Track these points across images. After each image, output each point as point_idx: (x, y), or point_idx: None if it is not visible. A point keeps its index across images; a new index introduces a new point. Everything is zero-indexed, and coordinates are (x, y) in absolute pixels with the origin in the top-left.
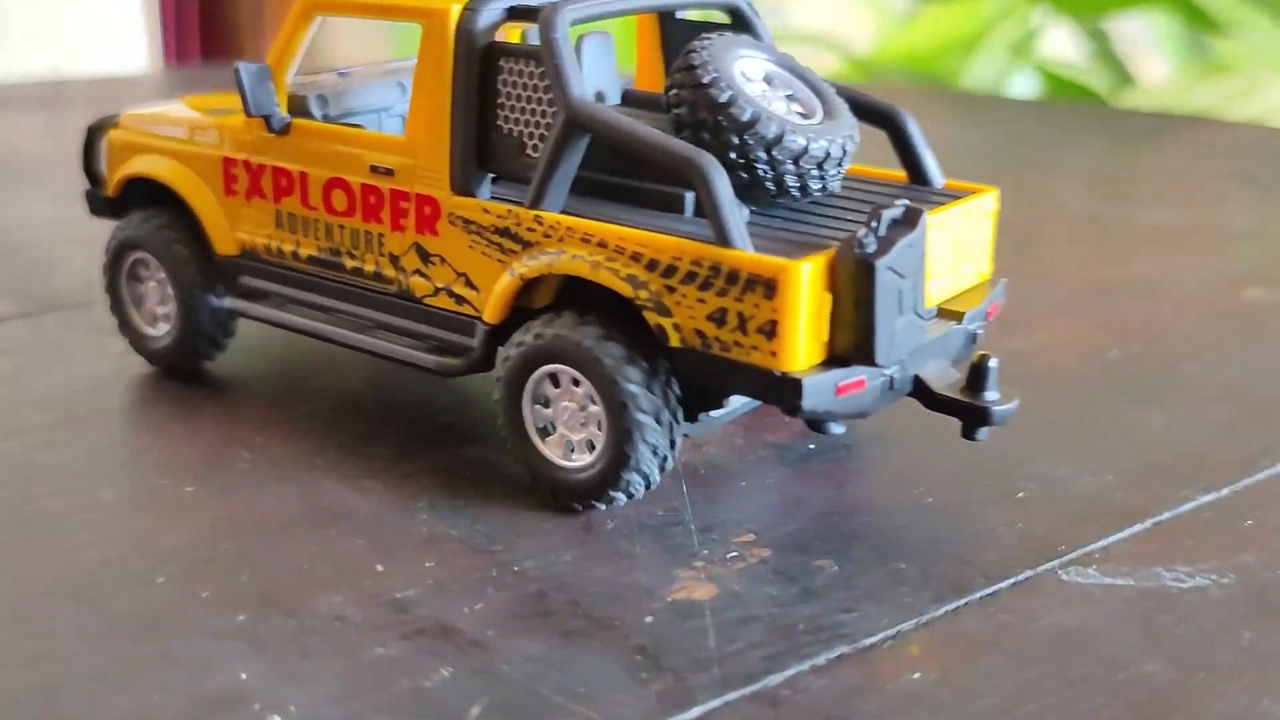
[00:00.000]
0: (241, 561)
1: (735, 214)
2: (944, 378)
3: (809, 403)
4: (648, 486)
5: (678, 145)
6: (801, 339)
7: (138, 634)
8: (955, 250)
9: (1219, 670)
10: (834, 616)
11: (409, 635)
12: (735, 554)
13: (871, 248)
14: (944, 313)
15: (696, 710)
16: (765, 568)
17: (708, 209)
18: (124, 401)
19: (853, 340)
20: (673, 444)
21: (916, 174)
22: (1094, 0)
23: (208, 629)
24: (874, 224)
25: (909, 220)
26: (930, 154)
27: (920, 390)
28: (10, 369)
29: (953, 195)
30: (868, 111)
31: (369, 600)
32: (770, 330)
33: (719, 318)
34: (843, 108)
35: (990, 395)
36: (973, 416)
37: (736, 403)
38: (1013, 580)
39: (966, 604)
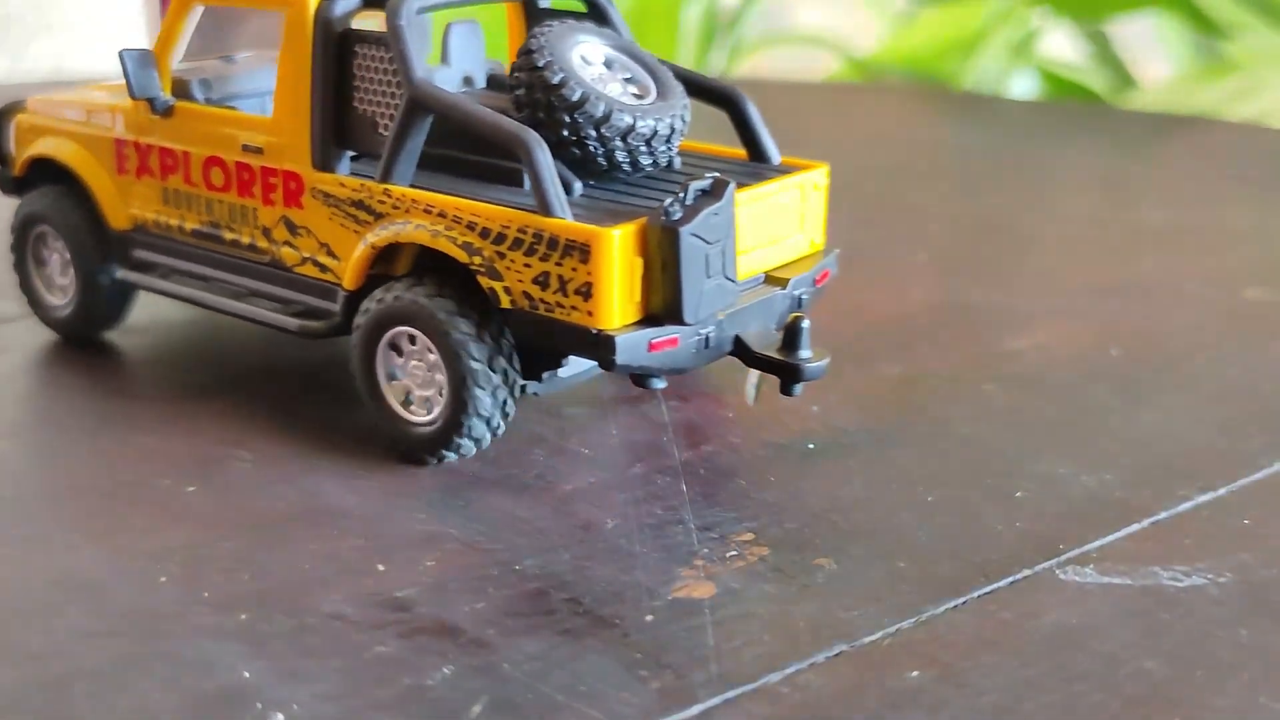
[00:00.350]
0: (242, 561)
1: (556, 185)
2: (764, 338)
3: (622, 358)
4: (488, 437)
5: (506, 123)
6: (614, 299)
7: (139, 633)
8: (782, 221)
9: (1217, 668)
10: (833, 615)
11: (409, 634)
12: (735, 553)
13: (677, 215)
14: (770, 279)
15: (696, 708)
16: (765, 566)
17: (530, 181)
18: (124, 402)
19: (663, 301)
20: (509, 400)
21: (755, 152)
22: (1094, 2)
23: (209, 628)
24: (681, 194)
25: (715, 191)
26: (767, 133)
27: (740, 349)
28: (9, 368)
29: (786, 171)
30: (709, 93)
31: (369, 599)
32: (586, 291)
33: (543, 281)
34: (676, 89)
35: (803, 354)
36: (787, 373)
37: (583, 365)
38: (1012, 579)
39: (965, 602)
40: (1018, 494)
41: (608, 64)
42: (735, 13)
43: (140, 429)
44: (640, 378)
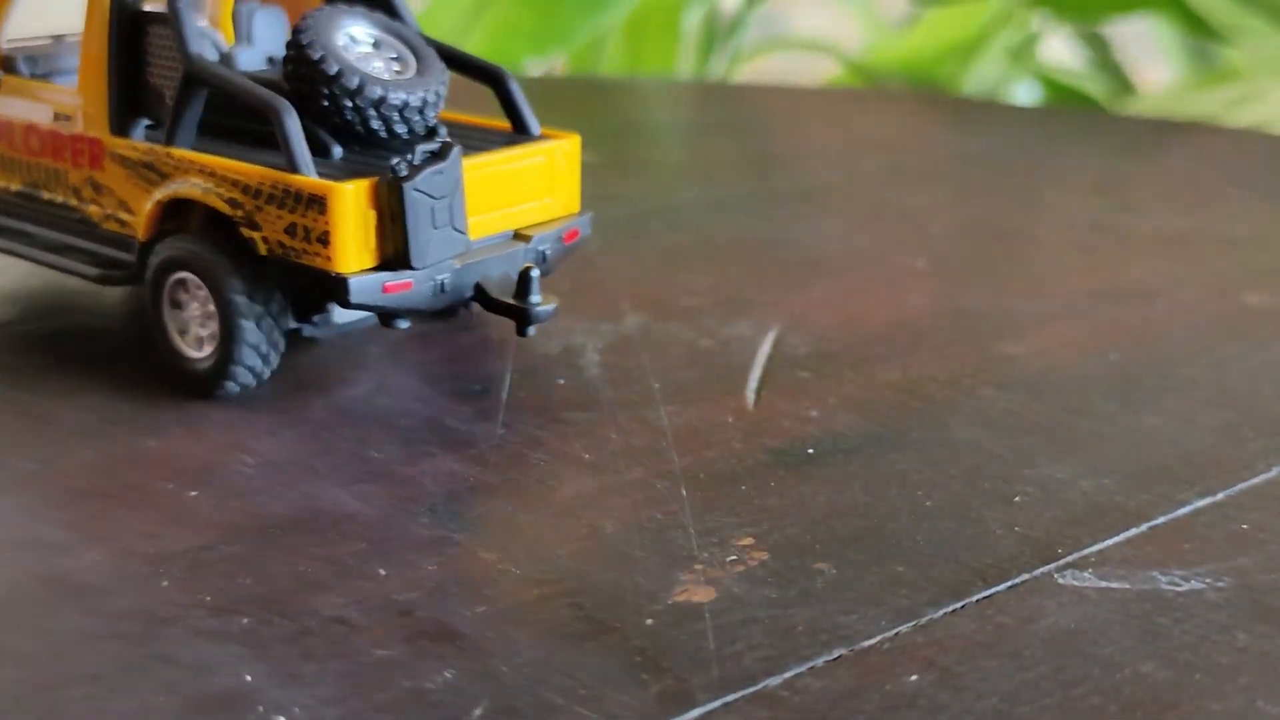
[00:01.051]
0: (244, 564)
1: (302, 147)
2: (502, 286)
3: (356, 298)
4: (261, 367)
5: (262, 93)
6: (349, 246)
7: (141, 636)
8: (529, 185)
9: (1215, 671)
10: (832, 619)
11: (411, 638)
12: (735, 557)
13: (404, 173)
14: (517, 235)
15: (696, 711)
16: (764, 570)
17: (281, 143)
18: (127, 407)
19: (395, 248)
20: (277, 333)
21: (518, 124)
22: (1093, 4)
23: (210, 631)
24: (410, 155)
25: (442, 153)
26: (528, 107)
27: (480, 295)
28: (8, 373)
29: (535, 139)
30: (475, 71)
31: (370, 603)
32: (325, 239)
33: (292, 230)
34: (436, 67)
35: (533, 299)
36: (518, 316)
37: (356, 314)
38: (1010, 583)
39: (964, 606)
40: (1016, 498)
41: (376, 44)
42: (735, 19)
43: (142, 433)
44: (385, 318)
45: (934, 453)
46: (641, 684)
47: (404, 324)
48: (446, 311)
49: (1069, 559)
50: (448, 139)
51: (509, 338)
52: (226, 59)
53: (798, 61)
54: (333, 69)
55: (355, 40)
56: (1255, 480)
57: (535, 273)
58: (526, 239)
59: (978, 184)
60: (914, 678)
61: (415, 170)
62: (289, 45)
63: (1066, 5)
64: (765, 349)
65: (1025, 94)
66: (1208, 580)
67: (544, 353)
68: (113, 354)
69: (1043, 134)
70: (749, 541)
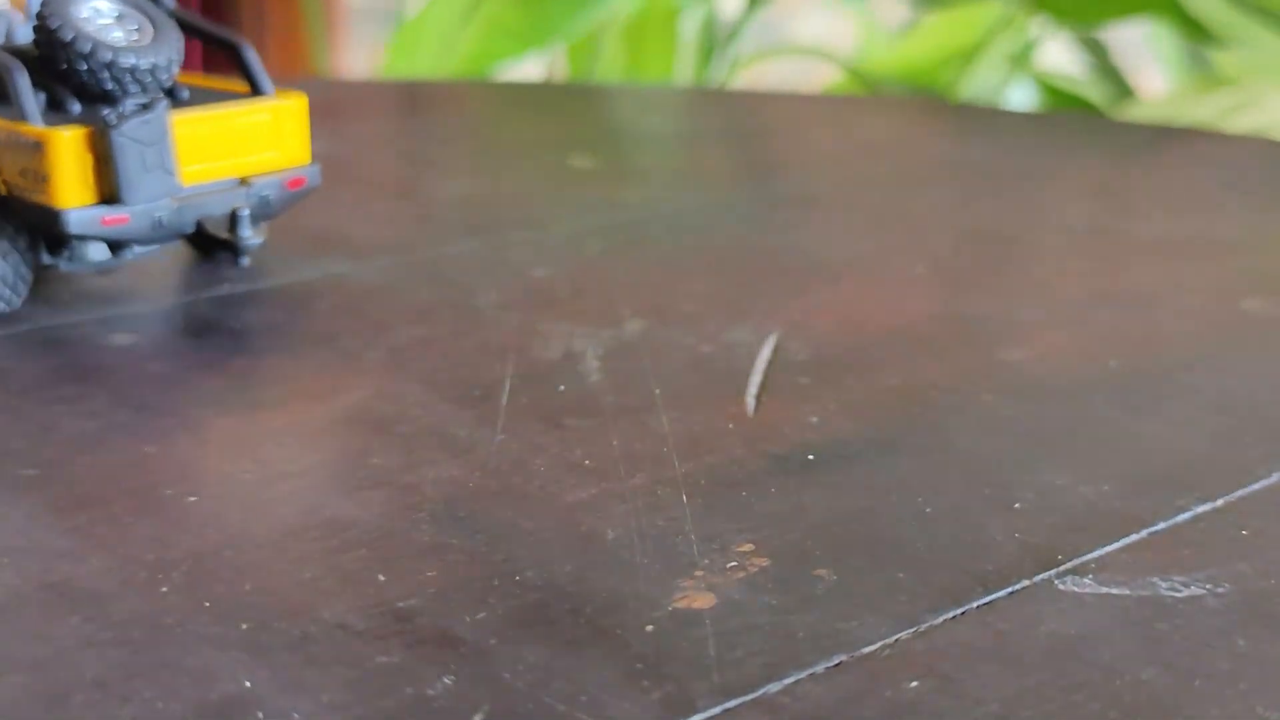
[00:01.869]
0: (245, 571)
1: (30, 101)
2: (219, 225)
3: (75, 229)
4: (10, 295)
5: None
6: (68, 185)
7: (141, 642)
8: (255, 137)
9: (1215, 678)
10: (833, 625)
11: (411, 644)
12: (735, 563)
13: (113, 122)
14: (242, 181)
15: (697, 717)
16: (765, 576)
17: (12, 98)
18: (126, 412)
19: (109, 187)
20: (24, 267)
21: (254, 87)
22: (1092, 9)
23: (211, 637)
24: (121, 108)
25: (149, 106)
26: (264, 72)
27: (199, 230)
28: (9, 379)
29: (268, 98)
30: (215, 41)
31: (371, 609)
32: (48, 178)
33: (24, 172)
34: (172, 35)
35: (243, 234)
36: (229, 248)
37: (104, 253)
38: (1010, 589)
39: (964, 612)
40: (1016, 504)
41: (119, 16)
42: (734, 25)
43: (143, 439)
44: (113, 248)
45: (934, 458)
46: (642, 690)
47: (129, 254)
48: (190, 241)
49: (1069, 565)
50: (157, 95)
51: (509, 343)
52: (8, 34)
53: (797, 68)
54: (68, 35)
55: (100, 12)
56: (1255, 486)
57: (245, 211)
58: (248, 183)
59: (977, 189)
60: (914, 684)
61: (123, 119)
62: (35, 15)
63: (1065, 10)
64: (765, 354)
65: (1024, 99)
66: (1208, 586)
67: (544, 358)
68: (110, 359)
69: (1042, 139)
70: (750, 547)
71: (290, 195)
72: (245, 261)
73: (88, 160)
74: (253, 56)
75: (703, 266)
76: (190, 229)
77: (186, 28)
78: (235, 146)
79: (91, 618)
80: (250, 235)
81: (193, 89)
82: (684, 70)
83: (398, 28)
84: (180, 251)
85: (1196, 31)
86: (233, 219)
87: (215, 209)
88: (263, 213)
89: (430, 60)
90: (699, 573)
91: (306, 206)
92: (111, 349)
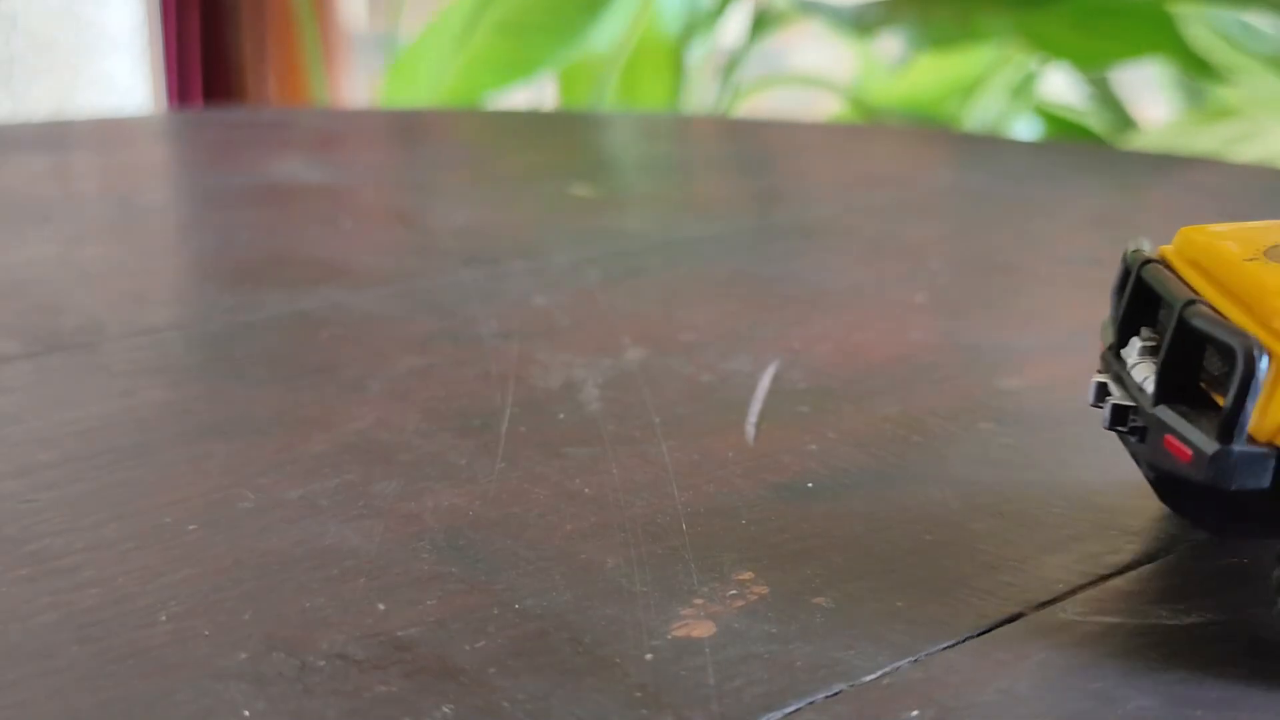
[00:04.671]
0: (243, 600)
1: None
2: None
3: None
4: None
5: None
6: None
7: (140, 672)
8: None
9: (1213, 706)
10: (832, 654)
11: (411, 673)
12: (734, 592)
13: None
14: None
15: None
16: (764, 605)
17: None
18: (128, 441)
19: None
20: None
21: None
22: (1098, 51)
23: (210, 667)
24: None
25: None
26: None
27: None
28: (15, 408)
29: None
30: None
31: (371, 639)
32: None
33: None
34: None
35: None
36: None
37: None
38: (1008, 617)
39: (963, 641)
40: (1015, 533)
41: None
42: (735, 54)
43: (142, 467)
44: None
45: (933, 487)
46: (642, 719)
47: None
48: None
49: (1067, 594)
50: None
51: (509, 371)
52: None
53: (798, 97)
54: None
55: None
56: None
57: None
58: None
59: (977, 218)
60: (913, 713)
61: None
62: None
63: (1072, 53)
64: (765, 383)
65: (1026, 129)
66: (1208, 615)
67: (544, 387)
68: (111, 389)
69: (1043, 169)
70: (749, 576)
71: None
72: None
73: None
74: None
75: (702, 295)
76: None
77: None
78: None
79: (87, 647)
80: None
81: None
82: (685, 99)
83: (393, 56)
84: (171, 281)
85: (1201, 69)
86: None
87: None
88: None
89: (425, 89)
90: (698, 601)
91: (306, 235)
92: (100, 375)
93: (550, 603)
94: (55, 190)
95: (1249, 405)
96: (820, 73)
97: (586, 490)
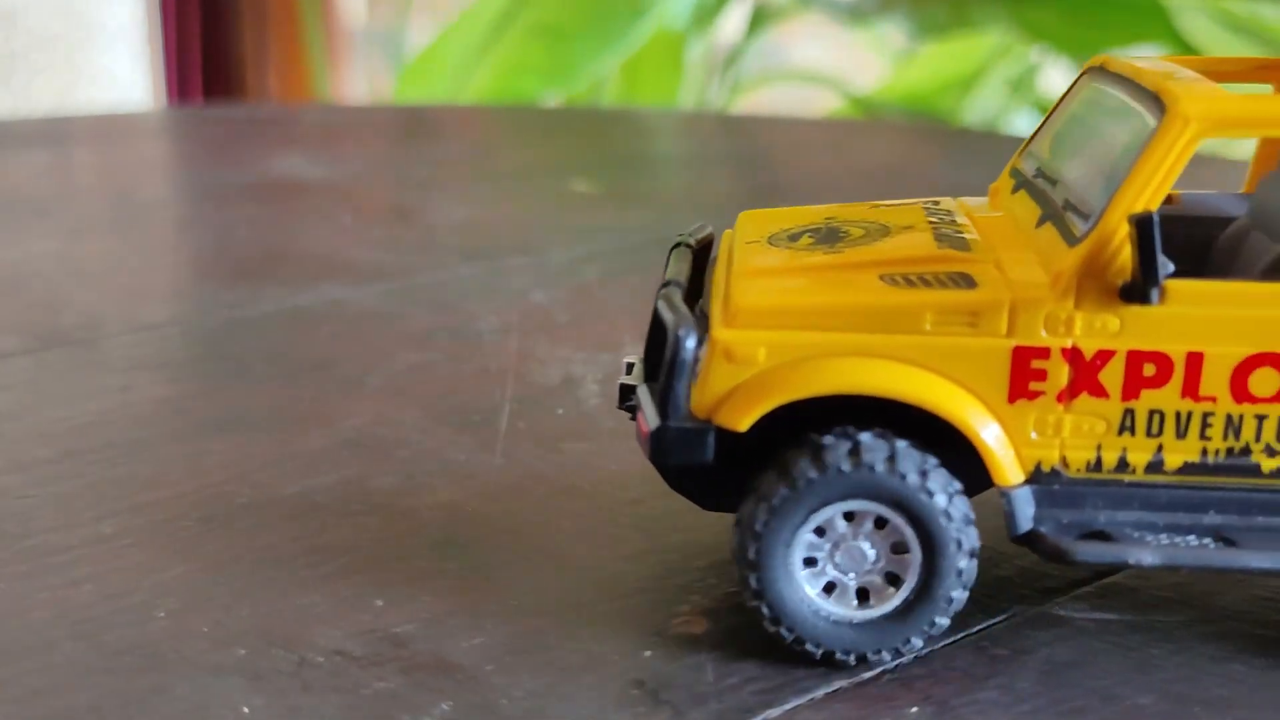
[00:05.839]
0: (241, 596)
1: None
2: None
3: None
4: None
5: None
6: None
7: (138, 668)
8: None
9: (1212, 703)
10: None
11: (408, 670)
12: (734, 589)
13: None
14: None
15: None
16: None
17: None
18: (126, 437)
19: None
20: None
21: None
22: (1091, 37)
23: (208, 663)
24: None
25: None
26: None
27: None
28: (14, 404)
29: None
30: None
31: (368, 635)
32: None
33: None
34: None
35: None
36: None
37: None
38: (1007, 615)
39: (962, 638)
40: None
41: None
42: (735, 50)
43: (139, 463)
44: None
45: None
46: (639, 716)
47: None
48: None
49: (1067, 591)
50: None
51: (508, 367)
52: None
53: (798, 93)
54: None
55: None
56: None
57: None
58: None
59: None
60: (913, 710)
61: None
62: None
63: (1065, 39)
64: None
65: (1025, 124)
66: (1205, 612)
67: (543, 383)
68: (110, 386)
69: None
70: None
71: None
72: None
73: None
74: None
75: None
76: None
77: None
78: None
79: (86, 644)
80: None
81: None
82: (686, 95)
83: (410, 58)
84: (170, 277)
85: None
86: None
87: None
88: None
89: (442, 92)
90: (696, 597)
91: (306, 231)
92: (102, 378)
93: (547, 599)
94: (55, 186)
95: (678, 384)
96: (820, 67)
97: (585, 486)
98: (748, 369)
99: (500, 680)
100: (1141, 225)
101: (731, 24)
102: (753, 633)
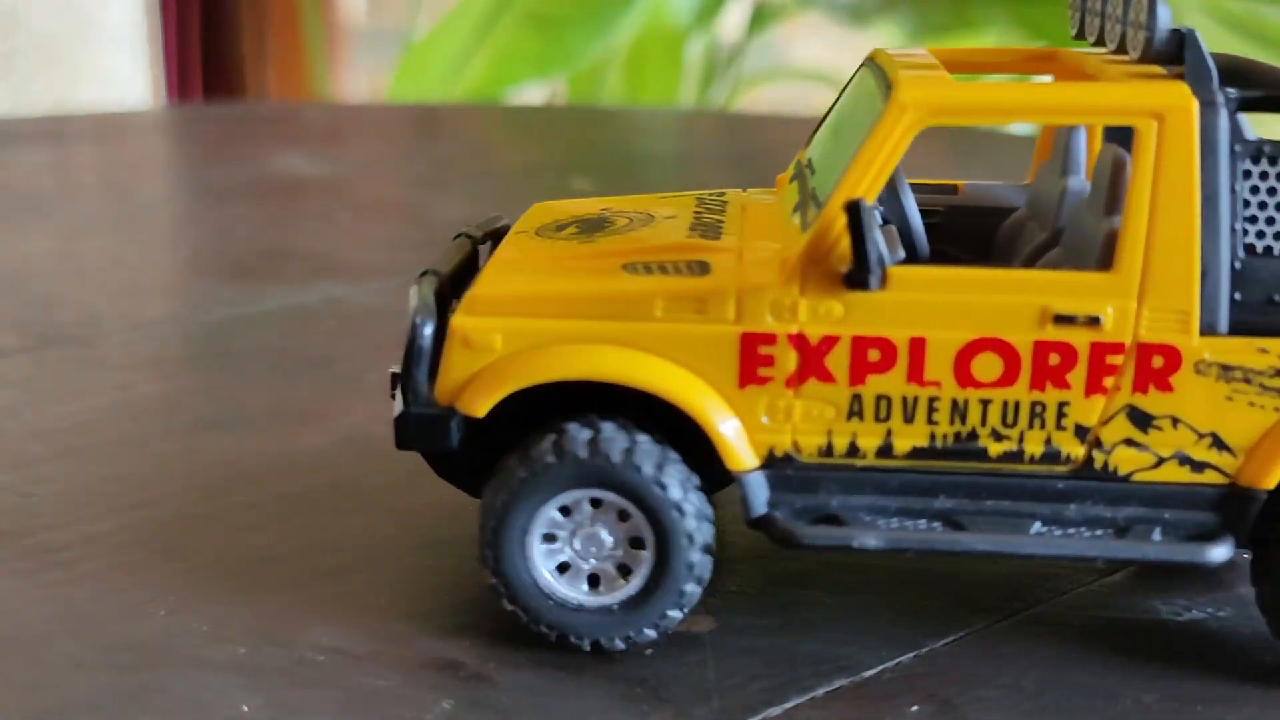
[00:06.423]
0: (240, 594)
1: None
2: None
3: None
4: None
5: None
6: None
7: (137, 665)
8: None
9: (1214, 701)
10: (833, 649)
11: (409, 668)
12: (735, 587)
13: None
14: None
15: None
16: (766, 601)
17: None
18: (124, 434)
19: None
20: None
21: None
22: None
23: (207, 661)
24: None
25: None
26: None
27: None
28: (12, 402)
29: None
30: None
31: (368, 633)
32: None
33: None
34: None
35: None
36: None
37: None
38: (1012, 613)
39: (966, 636)
40: None
41: None
42: (735, 48)
43: (139, 462)
44: None
45: None
46: (642, 715)
47: None
48: None
49: (1070, 590)
50: None
51: None
52: None
53: (798, 91)
54: None
55: None
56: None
57: None
58: None
59: None
60: (915, 708)
61: None
62: None
63: (1065, 39)
64: None
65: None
66: (1209, 610)
67: None
68: (107, 383)
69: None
70: (751, 571)
71: None
72: None
73: None
74: None
75: None
76: None
77: None
78: None
79: (85, 640)
80: None
81: None
82: (686, 93)
83: (405, 50)
84: (169, 275)
85: None
86: None
87: None
88: None
89: (438, 83)
90: None
91: (305, 230)
92: (100, 376)
93: None
94: (55, 184)
95: (416, 371)
96: (819, 67)
97: None
98: (485, 356)
99: (502, 678)
100: (852, 211)
101: (732, 22)
102: (755, 631)
